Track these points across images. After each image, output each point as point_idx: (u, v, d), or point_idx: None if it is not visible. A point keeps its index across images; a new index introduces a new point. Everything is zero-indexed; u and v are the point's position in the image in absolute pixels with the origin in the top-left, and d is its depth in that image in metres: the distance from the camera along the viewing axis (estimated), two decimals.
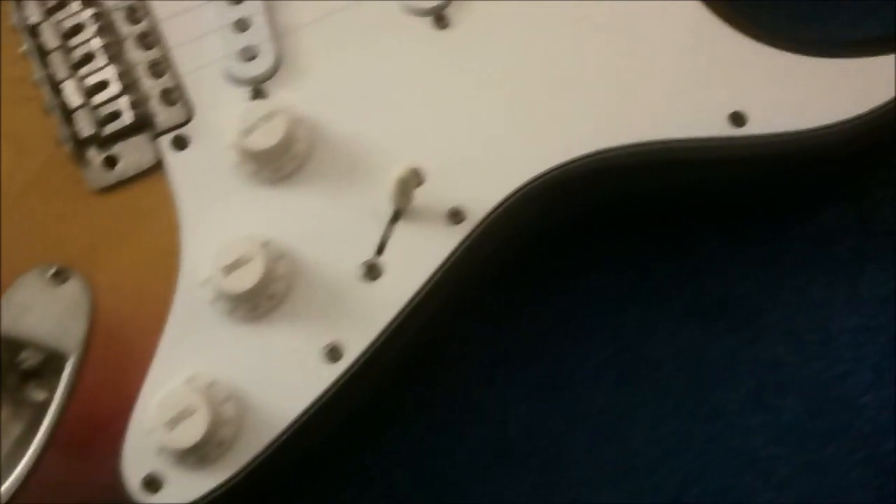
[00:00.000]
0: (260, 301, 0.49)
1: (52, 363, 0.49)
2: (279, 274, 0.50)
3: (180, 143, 0.53)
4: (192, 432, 0.46)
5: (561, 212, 0.54)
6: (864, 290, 0.59)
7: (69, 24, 0.54)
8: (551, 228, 0.55)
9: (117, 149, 0.53)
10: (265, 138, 0.50)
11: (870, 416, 0.57)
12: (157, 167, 0.53)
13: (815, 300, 0.59)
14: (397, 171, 0.49)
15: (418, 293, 0.50)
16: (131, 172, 0.52)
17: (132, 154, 0.53)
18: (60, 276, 0.50)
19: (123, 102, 0.53)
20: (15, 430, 0.49)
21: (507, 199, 0.52)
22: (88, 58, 0.53)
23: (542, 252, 0.58)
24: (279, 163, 0.51)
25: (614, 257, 0.60)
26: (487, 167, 0.52)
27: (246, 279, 0.48)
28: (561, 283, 0.60)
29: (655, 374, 0.58)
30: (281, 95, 0.53)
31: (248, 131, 0.50)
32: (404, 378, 0.56)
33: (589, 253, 0.60)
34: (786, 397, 0.58)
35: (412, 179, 0.50)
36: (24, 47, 0.54)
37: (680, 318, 0.59)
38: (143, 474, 0.48)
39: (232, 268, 0.48)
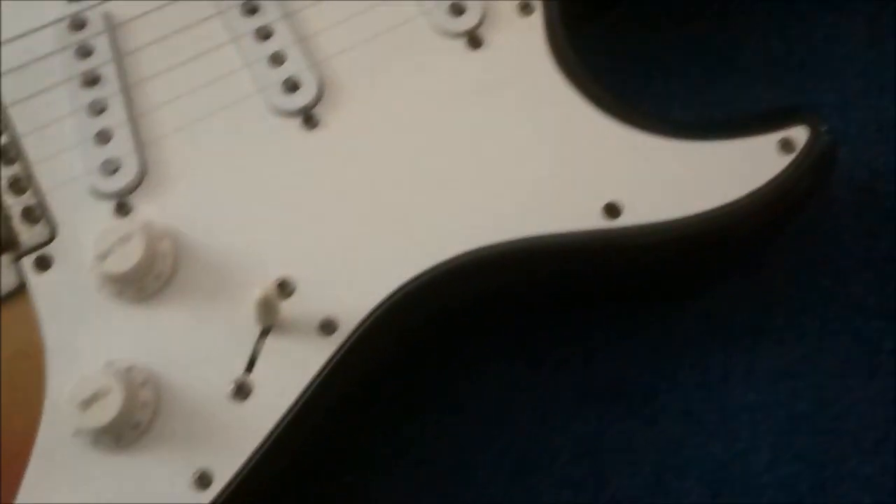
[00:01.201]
0: (123, 431, 0.48)
1: None
2: (142, 401, 0.48)
3: (43, 264, 0.51)
4: None
5: (440, 309, 0.53)
6: (761, 365, 0.59)
7: None
8: (431, 326, 0.53)
9: None
10: (122, 262, 0.49)
11: (770, 495, 0.56)
12: (21, 289, 0.51)
13: (711, 378, 0.58)
14: (257, 292, 0.48)
15: (290, 410, 0.49)
16: None
17: None
18: None
19: None
20: None
21: (380, 306, 0.50)
22: None
23: (430, 344, 0.56)
24: (142, 283, 0.50)
25: (504, 345, 0.59)
26: (358, 274, 0.51)
27: (104, 414, 0.47)
28: (453, 373, 0.59)
29: (553, 464, 0.57)
30: (145, 209, 0.52)
31: (104, 255, 0.49)
32: (297, 486, 0.54)
33: (478, 342, 0.59)
34: (686, 480, 0.57)
35: (274, 298, 0.49)
36: None
37: (574, 404, 0.58)
38: None
39: (89, 402, 0.47)
